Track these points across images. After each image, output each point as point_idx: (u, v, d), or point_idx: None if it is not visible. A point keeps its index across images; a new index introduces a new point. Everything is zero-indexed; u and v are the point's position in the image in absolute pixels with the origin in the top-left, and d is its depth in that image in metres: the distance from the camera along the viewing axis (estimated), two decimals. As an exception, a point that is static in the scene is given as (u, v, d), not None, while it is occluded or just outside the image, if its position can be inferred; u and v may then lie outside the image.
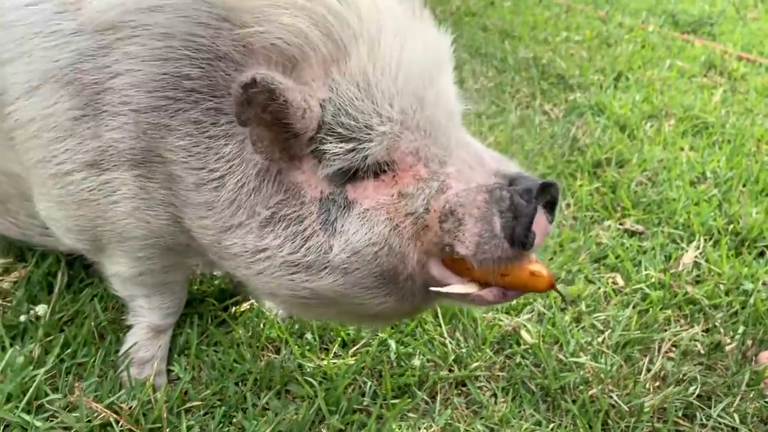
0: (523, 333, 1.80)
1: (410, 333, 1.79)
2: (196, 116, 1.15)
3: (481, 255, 1.11)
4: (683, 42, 4.64)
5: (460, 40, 4.24)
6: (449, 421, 1.56)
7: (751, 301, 2.02)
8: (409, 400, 1.59)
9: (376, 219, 1.14)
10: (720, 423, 1.63)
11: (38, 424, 1.38)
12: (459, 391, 1.67)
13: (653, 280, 2.09)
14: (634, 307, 1.99)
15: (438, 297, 1.23)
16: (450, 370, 1.71)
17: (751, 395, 1.72)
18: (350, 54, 1.10)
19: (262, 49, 1.11)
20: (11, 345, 1.58)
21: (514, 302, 1.94)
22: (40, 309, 1.62)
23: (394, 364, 1.71)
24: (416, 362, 1.70)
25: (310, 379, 1.61)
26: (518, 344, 1.79)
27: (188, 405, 1.52)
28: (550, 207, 1.15)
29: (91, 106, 1.18)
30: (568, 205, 2.49)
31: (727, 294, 2.08)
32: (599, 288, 2.05)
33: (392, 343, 1.74)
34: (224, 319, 1.78)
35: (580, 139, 3.01)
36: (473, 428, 1.55)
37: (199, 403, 1.52)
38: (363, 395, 1.61)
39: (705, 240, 2.32)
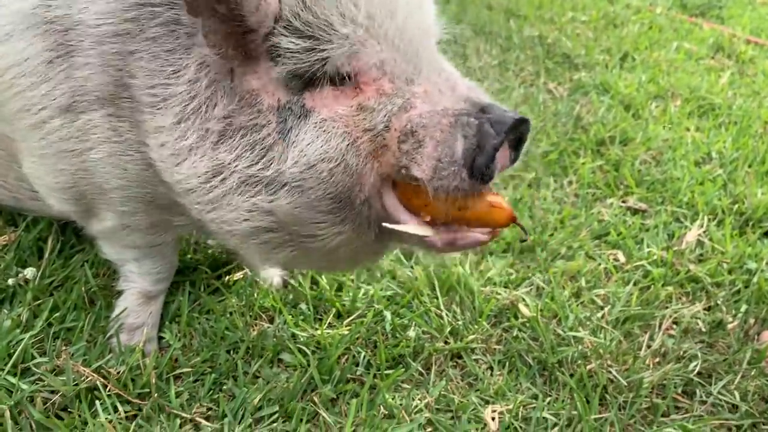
0: (521, 306, 1.77)
1: (406, 305, 1.75)
2: (155, 31, 1.10)
3: (437, 181, 1.04)
4: (691, 25, 4.57)
5: (465, 18, 4.18)
6: (443, 393, 1.53)
7: (755, 280, 1.99)
8: (403, 370, 1.56)
9: (333, 131, 1.07)
10: (720, 400, 1.60)
11: (24, 386, 1.35)
12: (454, 363, 1.64)
13: (655, 257, 2.05)
14: (635, 284, 1.95)
15: (392, 236, 1.16)
16: (446, 342, 1.67)
17: (752, 373, 1.68)
18: None
19: None
20: (-1, 308, 1.55)
21: (512, 276, 1.90)
22: (29, 272, 1.59)
23: (389, 335, 1.68)
24: (411, 333, 1.67)
25: (304, 348, 1.58)
26: (516, 318, 1.75)
27: (178, 371, 1.49)
28: (516, 143, 1.08)
29: (62, 45, 1.14)
30: (570, 183, 2.45)
31: (730, 273, 2.04)
32: (600, 264, 2.02)
33: (388, 315, 1.70)
34: (217, 287, 1.75)
35: (584, 117, 2.95)
36: (467, 400, 1.52)
37: (189, 369, 1.49)
38: (356, 365, 1.58)
39: (709, 219, 2.28)
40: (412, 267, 1.88)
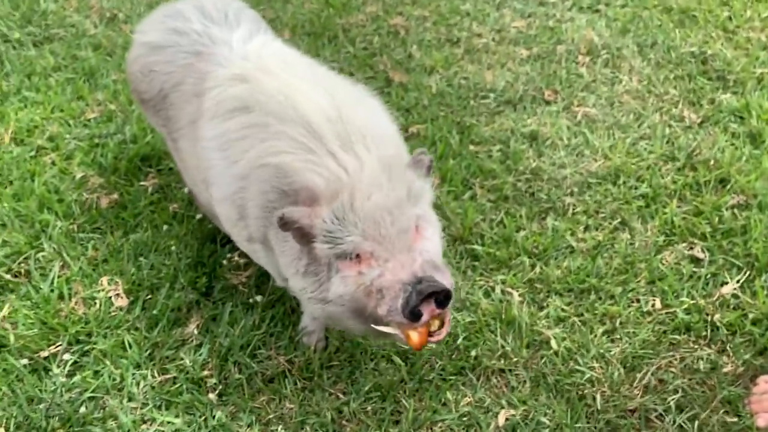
0: (552, 342, 2.57)
1: (476, 332, 2.66)
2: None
3: (389, 317, 1.93)
4: None
5: (634, 27, 4.50)
6: (482, 396, 2.45)
7: (769, 333, 2.50)
8: (462, 377, 2.51)
9: (347, 281, 1.99)
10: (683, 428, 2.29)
11: (254, 365, 2.59)
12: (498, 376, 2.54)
13: (686, 306, 2.65)
14: (662, 324, 2.60)
15: (382, 332, 2.03)
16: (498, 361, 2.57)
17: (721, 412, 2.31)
18: (338, 198, 1.96)
19: (303, 193, 2.03)
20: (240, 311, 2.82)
21: (562, 314, 2.68)
22: (259, 297, 2.83)
23: (460, 350, 2.61)
24: (473, 353, 2.59)
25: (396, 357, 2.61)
26: (548, 348, 2.57)
27: (331, 363, 2.62)
28: (444, 299, 1.88)
29: (242, 215, 2.27)
30: (654, 227, 3.02)
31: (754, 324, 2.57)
32: (639, 307, 2.68)
33: (460, 338, 2.63)
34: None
35: (702, 152, 3.37)
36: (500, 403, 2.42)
37: (337, 363, 2.61)
38: (432, 370, 2.56)
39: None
40: (492, 300, 2.77)
